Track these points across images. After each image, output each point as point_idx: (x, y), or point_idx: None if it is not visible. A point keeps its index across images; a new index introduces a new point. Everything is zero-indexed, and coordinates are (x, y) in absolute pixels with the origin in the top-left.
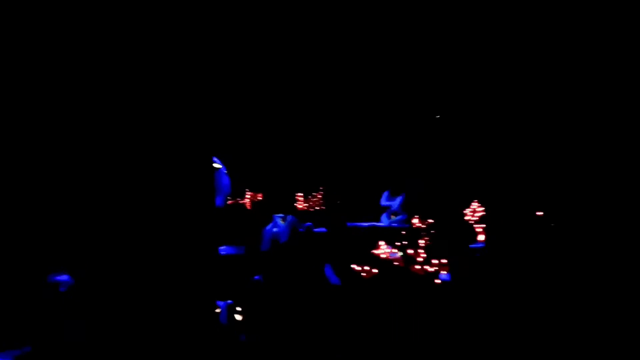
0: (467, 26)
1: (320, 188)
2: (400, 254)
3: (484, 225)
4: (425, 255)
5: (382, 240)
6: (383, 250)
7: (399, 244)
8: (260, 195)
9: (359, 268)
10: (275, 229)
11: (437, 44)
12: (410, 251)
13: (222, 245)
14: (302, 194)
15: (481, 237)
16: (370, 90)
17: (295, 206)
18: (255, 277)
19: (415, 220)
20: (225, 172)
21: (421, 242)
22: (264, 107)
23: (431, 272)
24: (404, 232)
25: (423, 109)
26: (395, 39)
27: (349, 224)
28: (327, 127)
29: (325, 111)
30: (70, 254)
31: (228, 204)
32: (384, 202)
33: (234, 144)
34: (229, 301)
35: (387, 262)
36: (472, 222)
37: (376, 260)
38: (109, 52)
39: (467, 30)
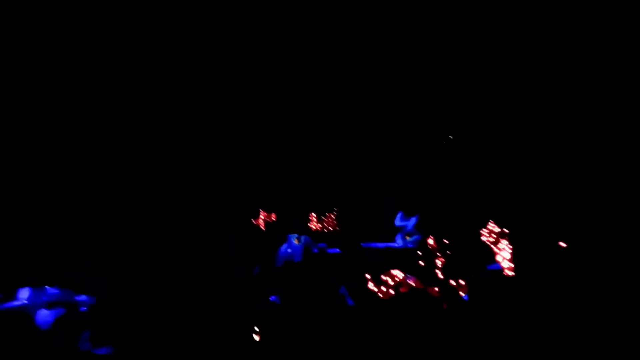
0: (480, 48)
1: (334, 209)
2: (416, 274)
3: (502, 246)
4: (442, 277)
5: (397, 261)
6: (399, 271)
7: (415, 264)
8: (274, 215)
9: (376, 289)
10: (289, 250)
11: (451, 64)
12: (427, 272)
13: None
14: (315, 214)
15: (499, 258)
16: (384, 112)
17: (309, 226)
18: (271, 297)
19: (430, 241)
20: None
21: (438, 262)
22: (278, 131)
23: (449, 293)
24: (420, 253)
25: (438, 130)
26: (410, 63)
27: (363, 244)
28: (341, 149)
29: (340, 134)
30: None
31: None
32: (398, 222)
33: (248, 165)
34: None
35: (404, 283)
36: (489, 242)
37: (392, 281)
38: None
39: (480, 52)
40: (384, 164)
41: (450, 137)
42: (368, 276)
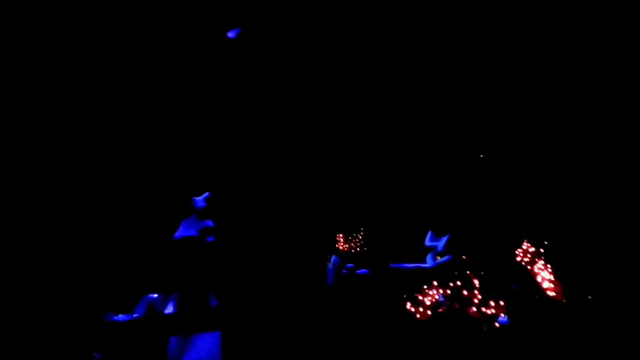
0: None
1: (361, 229)
2: (449, 295)
3: (540, 266)
4: (480, 298)
5: (428, 281)
6: (432, 291)
7: (452, 284)
8: None
9: (413, 309)
10: None
11: (484, 85)
12: (465, 292)
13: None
14: (342, 235)
15: (538, 279)
16: (413, 133)
17: (337, 247)
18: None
19: (463, 262)
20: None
21: (475, 283)
22: (304, 154)
23: (489, 314)
24: (456, 273)
25: (468, 149)
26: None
27: (392, 265)
28: (367, 169)
29: (366, 154)
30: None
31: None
32: (428, 242)
33: (275, 189)
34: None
35: (440, 304)
36: (525, 262)
37: (429, 302)
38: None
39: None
40: (412, 183)
41: (481, 156)
42: (404, 296)
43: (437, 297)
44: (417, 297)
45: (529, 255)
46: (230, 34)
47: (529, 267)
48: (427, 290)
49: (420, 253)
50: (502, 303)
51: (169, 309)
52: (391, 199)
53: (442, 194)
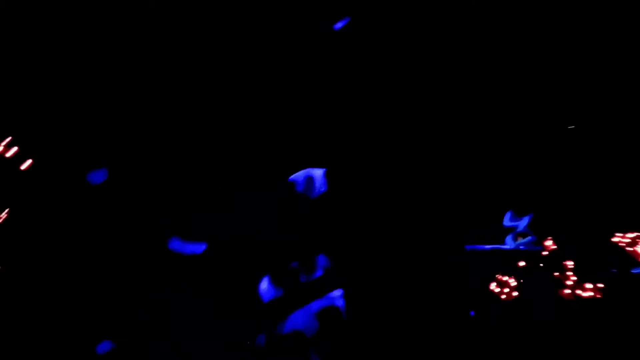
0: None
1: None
2: (536, 276)
3: None
4: (574, 279)
5: (511, 263)
6: (515, 274)
7: (542, 265)
8: None
9: (497, 290)
10: None
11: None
12: (556, 273)
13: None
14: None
15: None
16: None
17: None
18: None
19: (548, 243)
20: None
21: (568, 264)
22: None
23: (585, 298)
24: (542, 254)
25: (553, 116)
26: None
27: (468, 247)
28: (442, 144)
29: (434, 121)
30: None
31: None
32: (508, 222)
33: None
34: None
35: (525, 285)
36: (624, 244)
37: (511, 284)
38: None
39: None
40: (489, 158)
41: (571, 127)
42: (485, 277)
43: (521, 279)
44: (499, 279)
45: (628, 237)
46: (337, 25)
47: (629, 249)
48: (509, 272)
49: (498, 235)
50: (601, 285)
51: (264, 285)
52: (466, 176)
53: (521, 168)
